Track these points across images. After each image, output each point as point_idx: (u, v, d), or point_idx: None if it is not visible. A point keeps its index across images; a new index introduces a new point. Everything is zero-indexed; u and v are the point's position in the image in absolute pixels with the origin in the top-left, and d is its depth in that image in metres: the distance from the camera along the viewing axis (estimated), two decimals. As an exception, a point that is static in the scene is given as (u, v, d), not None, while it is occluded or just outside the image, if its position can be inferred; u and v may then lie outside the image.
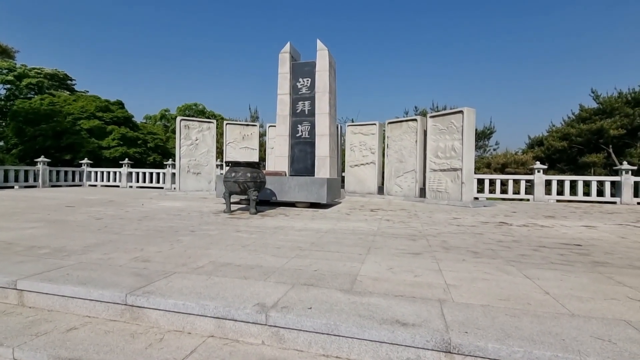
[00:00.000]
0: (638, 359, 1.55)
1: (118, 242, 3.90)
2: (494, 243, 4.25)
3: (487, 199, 12.77)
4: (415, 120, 11.32)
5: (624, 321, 1.96)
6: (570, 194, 12.61)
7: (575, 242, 4.44)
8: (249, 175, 6.63)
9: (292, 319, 1.94)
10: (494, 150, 21.72)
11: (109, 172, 17.84)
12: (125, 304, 2.26)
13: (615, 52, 56.67)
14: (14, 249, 3.52)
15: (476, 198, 12.45)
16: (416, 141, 11.08)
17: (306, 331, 1.92)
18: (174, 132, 23.80)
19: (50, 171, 16.40)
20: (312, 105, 9.90)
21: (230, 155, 13.02)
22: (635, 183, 11.95)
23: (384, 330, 1.80)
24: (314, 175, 9.54)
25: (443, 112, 10.82)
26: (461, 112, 9.56)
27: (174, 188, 13.63)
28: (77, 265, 2.92)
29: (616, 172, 12.39)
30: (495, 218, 6.87)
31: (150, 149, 24.42)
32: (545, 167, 13.05)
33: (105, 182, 17.71)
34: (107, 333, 2.08)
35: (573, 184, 12.88)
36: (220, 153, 15.09)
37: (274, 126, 11.12)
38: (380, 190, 12.45)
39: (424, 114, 17.79)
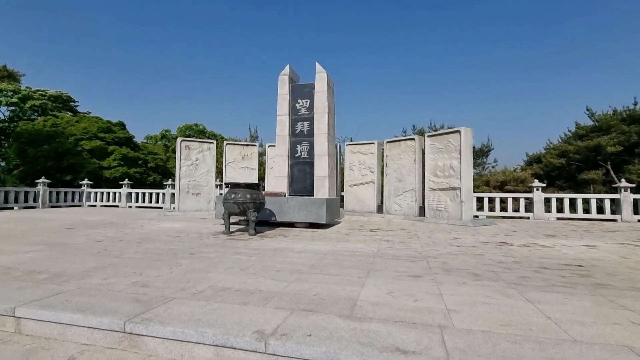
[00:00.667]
0: (641, 388, 1.54)
1: (117, 266, 3.88)
2: (494, 264, 4.23)
3: (487, 217, 12.74)
4: (414, 139, 11.46)
5: (627, 347, 1.94)
6: (570, 212, 12.61)
7: (576, 262, 4.42)
8: (248, 196, 6.66)
9: (292, 347, 1.92)
10: (493, 167, 21.89)
11: (108, 193, 17.87)
12: (124, 332, 2.24)
13: (607, 69, 57.95)
14: (13, 273, 3.51)
15: (476, 216, 12.43)
16: (415, 160, 11.17)
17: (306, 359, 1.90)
18: (174, 151, 24.00)
19: (50, 192, 16.43)
20: (311, 125, 10.05)
21: (230, 175, 13.09)
22: (635, 200, 11.96)
23: (384, 359, 1.78)
24: (313, 195, 9.57)
25: (441, 131, 10.99)
26: (458, 131, 9.70)
27: (173, 208, 13.61)
28: (76, 291, 2.90)
29: (615, 189, 12.43)
30: (495, 238, 6.85)
31: (151, 169, 24.53)
32: (544, 185, 13.10)
33: (104, 203, 17.71)
34: (104, 363, 2.06)
35: (572, 202, 12.89)
36: (220, 173, 15.18)
37: (273, 146, 11.25)
38: (380, 209, 12.45)
39: (421, 133, 18.04)
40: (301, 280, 3.36)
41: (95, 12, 64.14)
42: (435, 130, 20.30)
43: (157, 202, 17.01)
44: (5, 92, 25.09)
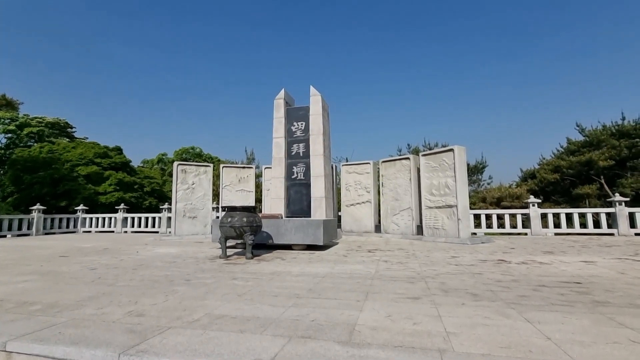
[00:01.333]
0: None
1: (112, 295, 3.82)
2: (493, 283, 4.21)
3: (485, 234, 12.72)
4: (409, 158, 11.59)
5: (627, 367, 1.93)
6: (567, 227, 12.64)
7: (575, 279, 4.41)
8: (245, 219, 6.64)
9: (290, 376, 1.89)
10: (488, 184, 22.03)
11: (104, 218, 17.70)
12: (118, 365, 2.19)
13: (596, 85, 59.68)
14: (5, 305, 3.44)
15: (474, 233, 12.42)
16: (410, 179, 11.26)
17: (304, 390, 1.86)
18: (170, 175, 24.01)
19: (45, 219, 16.25)
20: (307, 147, 10.18)
21: (227, 197, 13.08)
22: (631, 214, 12.04)
23: (383, 387, 1.76)
24: (310, 217, 9.56)
25: (435, 150, 11.15)
26: (452, 150, 9.85)
27: (169, 232, 13.49)
28: (70, 322, 2.85)
29: (610, 203, 12.53)
30: (493, 255, 6.83)
31: (147, 193, 24.45)
32: (540, 200, 13.19)
33: (100, 228, 17.51)
34: (97, 398, 2.00)
35: (569, 216, 12.95)
36: (216, 195, 15.15)
37: (270, 168, 11.33)
38: (377, 228, 12.41)
39: (416, 152, 18.27)
40: (299, 305, 3.32)
41: (91, 37, 65.72)
42: (430, 149, 20.58)
43: (153, 226, 16.86)
44: (2, 120, 25.27)
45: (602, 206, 15.24)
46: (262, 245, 8.44)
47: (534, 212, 12.58)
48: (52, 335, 2.54)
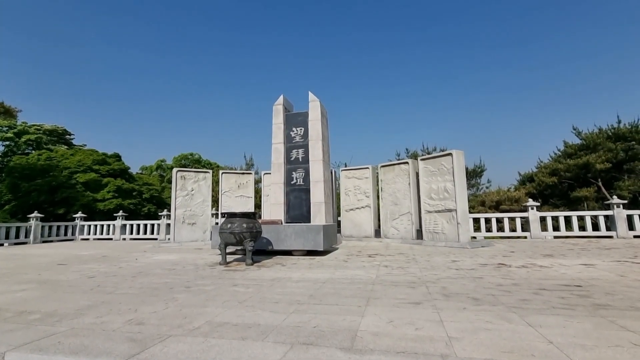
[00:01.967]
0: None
1: (111, 303, 3.80)
2: (494, 287, 4.21)
3: (485, 237, 12.73)
4: (407, 163, 11.63)
5: (630, 371, 1.93)
6: (566, 230, 12.67)
7: (575, 282, 4.42)
8: (244, 225, 6.63)
9: (292, 384, 1.88)
10: (487, 188, 22.06)
11: (102, 225, 17.62)
12: (119, 374, 2.18)
13: (592, 88, 60.23)
14: (3, 315, 3.41)
15: (473, 237, 12.43)
16: (409, 184, 11.28)
17: (307, 397, 1.85)
18: (169, 182, 23.94)
19: (43, 226, 16.15)
20: (306, 152, 10.19)
21: (226, 204, 13.05)
22: (629, 216, 12.08)
23: (387, 393, 1.75)
24: (310, 222, 9.55)
25: (433, 154, 11.18)
26: (450, 154, 9.89)
27: (168, 239, 13.43)
28: (69, 332, 2.83)
29: (608, 206, 12.57)
30: (493, 259, 6.83)
31: (146, 200, 24.35)
32: (538, 204, 13.22)
33: (98, 235, 17.41)
34: (98, 408, 1.98)
35: (568, 219, 12.98)
36: (215, 202, 15.12)
37: (269, 174, 11.33)
38: (377, 233, 12.40)
39: (415, 157, 18.34)
40: (300, 311, 3.31)
41: (89, 43, 65.97)
42: (428, 153, 20.64)
43: (152, 233, 16.78)
44: (0, 128, 25.23)
45: (600, 209, 15.28)
46: (262, 252, 8.41)
47: (533, 215, 12.60)
48: (51, 345, 2.52)
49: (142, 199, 24.04)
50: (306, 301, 3.71)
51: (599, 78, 60.10)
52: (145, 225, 17.14)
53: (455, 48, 69.84)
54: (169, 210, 13.37)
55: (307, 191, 9.97)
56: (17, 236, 15.18)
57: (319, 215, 9.61)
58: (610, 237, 11.90)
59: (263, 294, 4.09)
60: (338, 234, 11.14)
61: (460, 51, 69.18)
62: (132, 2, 70.59)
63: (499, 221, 13.45)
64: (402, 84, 74.77)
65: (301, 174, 10.19)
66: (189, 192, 12.58)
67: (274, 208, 10.23)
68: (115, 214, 17.71)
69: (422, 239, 10.65)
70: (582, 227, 12.74)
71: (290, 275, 5.44)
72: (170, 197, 13.01)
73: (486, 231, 13.23)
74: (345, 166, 17.82)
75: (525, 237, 12.58)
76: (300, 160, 10.27)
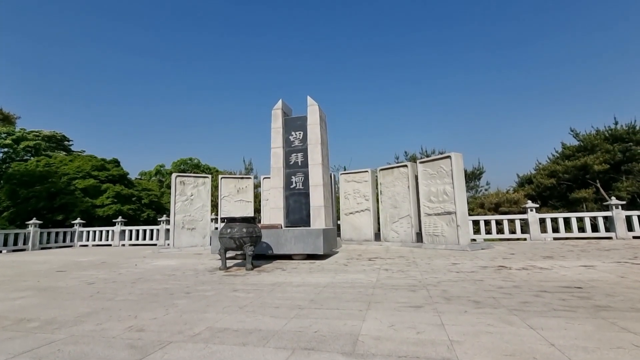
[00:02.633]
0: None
1: (111, 310, 3.78)
2: (494, 290, 4.21)
3: (485, 239, 12.73)
4: (406, 166, 11.65)
5: (632, 372, 1.93)
6: (566, 231, 12.68)
7: (575, 284, 4.41)
8: (244, 230, 6.62)
9: (294, 390, 1.87)
10: (486, 190, 22.09)
11: (101, 231, 17.56)
12: (119, 382, 2.16)
13: (589, 89, 60.57)
14: (2, 323, 3.39)
15: (473, 240, 12.42)
16: (408, 187, 11.29)
17: (309, 403, 1.84)
18: (168, 187, 23.89)
19: (41, 233, 16.09)
20: (305, 156, 10.21)
21: (225, 208, 13.04)
22: (627, 217, 12.10)
23: (389, 398, 1.74)
24: (309, 226, 9.53)
25: (432, 157, 11.22)
26: (449, 157, 9.92)
27: (168, 244, 13.38)
28: (69, 339, 2.81)
29: (607, 207, 12.60)
30: (494, 261, 6.83)
31: (145, 205, 24.30)
32: (537, 205, 13.25)
33: (97, 242, 17.35)
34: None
35: (567, 221, 12.99)
36: (215, 206, 15.10)
37: (269, 178, 11.33)
38: (377, 236, 12.39)
39: (413, 159, 18.37)
40: (301, 316, 3.30)
41: (87, 46, 66.10)
42: (427, 156, 20.69)
43: (151, 238, 16.72)
44: (-1, 135, 25.23)
45: (599, 210, 15.32)
46: (262, 256, 8.39)
47: (532, 217, 12.61)
48: (50, 353, 2.51)
49: (141, 205, 24.00)
50: (307, 306, 3.69)
51: (596, 80, 60.48)
52: (145, 230, 17.09)
53: (453, 50, 70.27)
54: (168, 216, 13.34)
55: (307, 195, 9.97)
56: (15, 243, 15.11)
57: (319, 219, 9.60)
58: (610, 238, 11.91)
59: (264, 299, 4.08)
60: (338, 238, 11.12)
61: (458, 53, 69.61)
62: (132, 6, 70.94)
63: (499, 223, 13.46)
64: (400, 87, 75.12)
65: (300, 178, 10.20)
66: (188, 197, 12.56)
67: (273, 212, 10.22)
68: (114, 220, 17.66)
69: (422, 241, 10.64)
70: (582, 229, 12.75)
71: (290, 279, 5.43)
72: (169, 202, 12.99)
73: (486, 233, 13.24)
74: (345, 170, 17.84)
75: (525, 239, 12.59)
76: (300, 164, 10.28)
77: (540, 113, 62.01)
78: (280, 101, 10.79)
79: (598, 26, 57.64)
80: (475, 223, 13.72)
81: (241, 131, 76.67)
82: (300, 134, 10.44)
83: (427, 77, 73.84)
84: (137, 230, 17.16)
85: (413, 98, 73.05)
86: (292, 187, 10.27)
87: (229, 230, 6.66)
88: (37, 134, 27.62)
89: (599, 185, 18.67)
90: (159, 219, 16.58)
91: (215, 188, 15.70)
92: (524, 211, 13.07)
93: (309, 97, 10.57)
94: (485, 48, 68.03)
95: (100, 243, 17.29)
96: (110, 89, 70.36)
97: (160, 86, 76.43)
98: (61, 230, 17.24)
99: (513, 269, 5.79)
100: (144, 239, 16.87)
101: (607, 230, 12.26)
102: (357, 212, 12.77)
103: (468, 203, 12.76)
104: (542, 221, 13.00)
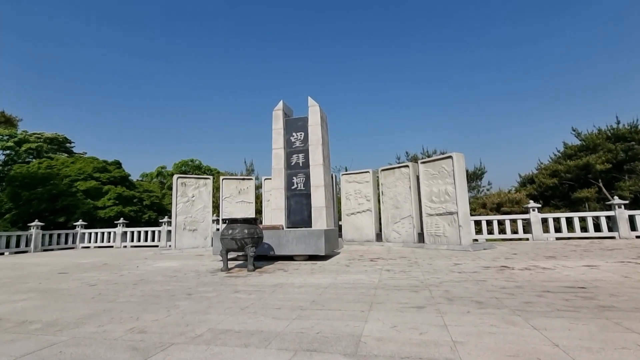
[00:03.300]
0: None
1: (113, 312, 3.77)
2: (497, 290, 4.19)
3: (487, 240, 12.68)
4: (408, 166, 11.63)
5: (637, 373, 1.91)
6: (568, 231, 12.62)
7: (579, 284, 4.39)
8: (246, 231, 6.61)
9: (297, 391, 1.86)
10: (487, 190, 22.05)
11: (102, 233, 17.58)
12: (121, 384, 2.15)
13: (590, 88, 60.42)
14: (4, 325, 3.39)
15: (475, 240, 12.37)
16: (410, 187, 11.27)
17: (312, 405, 1.83)
18: (170, 188, 23.93)
19: (43, 235, 16.13)
20: (306, 157, 10.20)
21: (227, 209, 13.04)
22: (630, 216, 12.04)
23: (392, 400, 1.73)
24: (311, 227, 9.52)
25: (433, 157, 11.20)
26: (450, 157, 9.89)
27: (169, 246, 13.39)
28: (71, 341, 2.81)
29: (610, 207, 12.54)
30: (496, 262, 6.80)
31: (146, 207, 24.32)
32: (540, 205, 13.19)
33: (99, 243, 17.37)
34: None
35: (569, 220, 12.92)
36: (216, 208, 15.10)
37: (270, 179, 11.32)
38: (379, 237, 12.36)
39: (415, 160, 18.34)
40: (303, 317, 3.29)
41: (88, 48, 66.30)
42: (428, 156, 20.67)
43: (153, 240, 16.74)
44: (1, 137, 25.30)
45: (601, 210, 15.25)
46: (264, 257, 8.39)
47: (535, 217, 12.57)
48: (52, 355, 2.50)
49: (143, 206, 24.02)
50: (309, 307, 3.68)
51: (597, 79, 60.33)
52: (146, 232, 17.11)
53: (454, 49, 70.22)
54: (170, 217, 13.36)
55: (308, 196, 9.96)
56: (17, 245, 15.15)
57: (320, 220, 9.59)
58: (613, 237, 11.85)
59: (265, 300, 4.07)
60: (339, 239, 11.11)
61: (459, 53, 69.55)
62: (132, 7, 71.18)
63: (501, 223, 13.41)
64: (401, 87, 75.09)
65: (302, 178, 10.19)
66: (190, 198, 12.57)
67: (275, 213, 10.21)
68: (115, 222, 17.68)
69: (423, 242, 10.61)
70: (584, 228, 12.69)
71: (292, 280, 5.42)
72: (170, 203, 13.01)
73: (488, 233, 13.19)
74: (346, 170, 17.85)
75: (527, 239, 12.54)
76: (301, 165, 10.27)
77: (542, 113, 61.90)
78: (281, 102, 10.79)
79: (599, 24, 57.55)
80: (477, 223, 13.69)
81: (242, 132, 76.78)
82: (301, 134, 10.43)
83: (428, 77, 73.84)
84: (139, 232, 17.18)
85: (414, 98, 73.03)
86: (293, 188, 10.26)
87: (230, 232, 6.65)
88: (39, 136, 27.70)
89: (601, 184, 18.59)
90: (160, 221, 16.60)
91: (216, 189, 15.70)
92: (526, 211, 13.02)
93: (310, 98, 10.57)
94: (486, 47, 67.98)
95: (102, 245, 17.32)
96: (112, 91, 70.60)
97: (162, 87, 76.65)
98: (63, 232, 17.28)
99: (516, 269, 5.76)
100: (146, 240, 16.89)
101: (610, 230, 12.20)
102: (358, 212, 12.75)
103: (470, 203, 12.73)
104: (545, 221, 12.94)
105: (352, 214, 12.89)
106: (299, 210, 10.08)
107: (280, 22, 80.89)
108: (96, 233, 17.67)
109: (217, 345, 2.60)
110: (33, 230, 15.53)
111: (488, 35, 68.35)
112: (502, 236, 13.03)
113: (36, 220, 16.14)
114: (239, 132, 77.71)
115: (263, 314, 3.47)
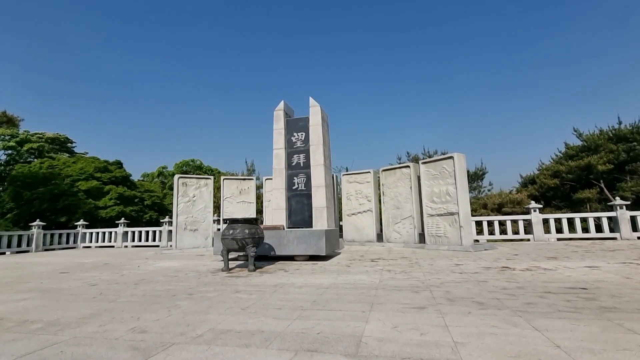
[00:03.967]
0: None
1: (114, 311, 3.78)
2: (498, 291, 4.18)
3: (488, 240, 12.66)
4: (409, 166, 11.62)
5: (639, 375, 1.90)
6: (570, 232, 12.60)
7: (580, 285, 4.38)
8: (247, 231, 6.62)
9: (297, 392, 1.86)
10: (489, 190, 22.02)
11: (104, 233, 17.62)
12: (122, 384, 2.16)
13: (592, 89, 60.32)
14: (5, 324, 3.40)
15: (476, 240, 12.35)
16: (411, 187, 11.26)
17: (312, 405, 1.83)
18: (171, 188, 23.99)
19: (45, 234, 16.17)
20: (307, 157, 10.20)
21: (228, 209, 13.05)
22: (632, 217, 12.01)
23: (393, 400, 1.72)
24: (311, 227, 9.52)
25: (434, 158, 11.18)
26: (451, 157, 9.89)
27: (170, 246, 13.41)
28: (72, 341, 2.81)
29: (611, 207, 12.51)
30: (497, 262, 6.79)
31: (147, 207, 24.37)
32: (541, 206, 13.17)
33: (100, 243, 17.40)
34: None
35: (571, 221, 12.90)
36: (217, 208, 15.12)
37: (271, 179, 11.33)
38: (380, 237, 12.36)
39: (416, 160, 18.33)
40: (303, 317, 3.28)
41: (89, 48, 66.42)
42: (429, 157, 20.66)
43: (154, 240, 16.76)
44: (2, 137, 25.38)
45: (602, 210, 15.22)
46: (265, 257, 8.39)
47: (536, 217, 12.54)
48: (53, 355, 2.51)
49: (144, 206, 24.07)
50: (309, 307, 3.68)
51: (599, 79, 60.22)
52: (147, 232, 17.14)
53: (455, 49, 70.16)
54: (171, 217, 13.37)
55: (309, 196, 9.96)
56: (19, 244, 15.19)
57: (321, 220, 9.59)
58: (614, 238, 11.83)
59: (266, 301, 4.07)
60: (340, 239, 11.10)
61: (460, 52, 69.49)
62: (133, 7, 71.33)
63: (502, 224, 13.39)
64: (402, 87, 75.04)
65: (302, 179, 10.19)
66: (191, 198, 12.59)
67: (275, 213, 10.22)
68: (117, 222, 17.71)
69: (424, 242, 10.60)
70: (585, 229, 12.67)
71: (293, 280, 5.41)
72: (171, 203, 13.03)
73: (489, 234, 13.17)
74: (347, 171, 17.83)
75: (529, 240, 12.52)
76: (302, 165, 10.28)
77: (543, 113, 61.79)
78: (282, 102, 10.80)
79: (601, 24, 57.46)
80: (478, 224, 13.67)
81: (243, 132, 76.80)
82: (302, 135, 10.44)
83: (429, 77, 73.77)
84: (140, 232, 17.21)
85: (415, 98, 72.96)
86: (294, 188, 10.27)
87: (231, 232, 6.66)
88: (41, 136, 27.77)
89: (602, 185, 18.56)
90: (161, 221, 16.63)
91: (217, 189, 15.72)
92: (527, 212, 13.00)
93: (311, 98, 10.57)
94: (487, 47, 67.92)
95: (103, 244, 17.35)
96: (113, 91, 70.70)
97: (163, 88, 76.74)
98: (64, 231, 17.32)
99: (517, 270, 5.75)
100: (147, 240, 16.92)
101: (612, 230, 12.18)
102: (359, 213, 12.75)
103: (471, 204, 12.71)
104: (546, 222, 12.92)
105: (353, 214, 12.89)
106: (299, 210, 10.08)
107: (281, 21, 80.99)
108: (97, 233, 17.70)
109: (218, 345, 2.60)
110: (34, 230, 15.57)
111: (490, 35, 68.29)
112: (503, 237, 13.01)
113: (37, 220, 16.18)
114: (239, 132, 77.75)
115: (264, 314, 3.46)
